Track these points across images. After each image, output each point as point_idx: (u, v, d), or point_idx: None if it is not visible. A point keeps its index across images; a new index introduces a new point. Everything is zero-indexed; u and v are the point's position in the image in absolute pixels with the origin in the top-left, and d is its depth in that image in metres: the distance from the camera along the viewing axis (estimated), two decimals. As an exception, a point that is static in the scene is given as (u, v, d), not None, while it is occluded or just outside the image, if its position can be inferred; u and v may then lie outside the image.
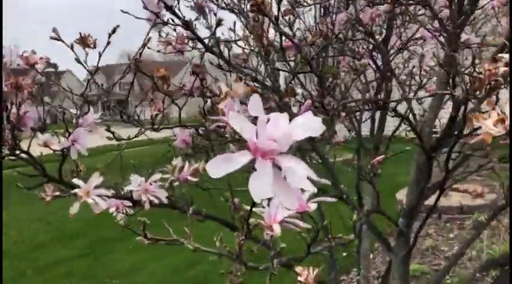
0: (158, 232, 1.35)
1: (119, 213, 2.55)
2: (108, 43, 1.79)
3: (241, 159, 0.72)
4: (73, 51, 1.74)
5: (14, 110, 1.92)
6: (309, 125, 0.76)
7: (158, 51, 3.03)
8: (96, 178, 1.81)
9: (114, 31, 1.91)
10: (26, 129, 1.98)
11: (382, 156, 1.58)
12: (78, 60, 1.74)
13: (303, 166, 0.71)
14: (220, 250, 1.15)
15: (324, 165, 2.35)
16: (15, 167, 2.01)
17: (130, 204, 2.29)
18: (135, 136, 1.74)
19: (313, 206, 1.31)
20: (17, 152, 1.80)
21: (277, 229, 1.21)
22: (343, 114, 1.45)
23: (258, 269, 1.17)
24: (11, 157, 1.89)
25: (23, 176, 2.07)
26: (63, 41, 1.77)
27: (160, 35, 3.05)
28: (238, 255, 1.06)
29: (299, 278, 1.51)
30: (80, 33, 1.95)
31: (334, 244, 1.38)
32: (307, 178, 0.73)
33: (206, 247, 1.15)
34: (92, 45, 1.93)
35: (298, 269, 1.54)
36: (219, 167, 0.70)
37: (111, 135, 1.79)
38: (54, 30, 1.73)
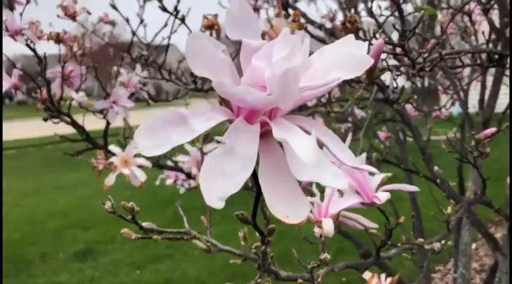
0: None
1: (181, 187, 2.34)
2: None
3: (201, 123, 0.38)
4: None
5: (58, 68, 1.74)
6: (346, 54, 0.39)
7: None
8: (134, 146, 1.55)
9: None
10: (73, 87, 1.80)
11: (491, 129, 1.14)
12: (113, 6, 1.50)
13: (312, 140, 0.35)
14: (246, 251, 0.83)
15: (415, 140, 1.92)
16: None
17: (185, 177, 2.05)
18: (175, 97, 1.47)
19: (383, 196, 0.94)
20: (55, 114, 1.61)
21: (328, 226, 0.86)
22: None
23: (296, 281, 0.84)
24: (53, 120, 1.72)
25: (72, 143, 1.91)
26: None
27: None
28: (261, 264, 0.73)
29: (367, 287, 1.15)
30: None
31: (415, 249, 1.00)
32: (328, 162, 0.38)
33: (227, 246, 0.84)
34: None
35: (366, 275, 1.18)
36: (157, 138, 0.37)
37: (146, 95, 1.54)
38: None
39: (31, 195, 7.71)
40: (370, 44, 0.84)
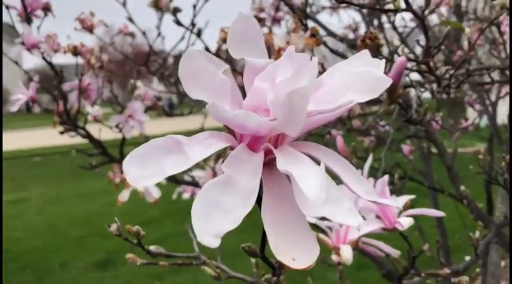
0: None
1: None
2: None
3: (199, 151, 0.34)
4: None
5: (76, 81, 1.73)
6: (361, 75, 0.35)
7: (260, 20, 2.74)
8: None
9: None
10: (90, 100, 1.79)
11: (523, 150, 1.07)
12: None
13: (319, 173, 0.30)
14: (258, 278, 0.78)
15: (441, 157, 1.85)
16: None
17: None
18: (190, 112, 1.44)
19: (406, 222, 0.88)
20: (69, 127, 1.60)
21: (346, 253, 0.81)
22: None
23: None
24: (70, 133, 1.71)
25: (88, 157, 1.89)
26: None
27: (254, 2, 2.74)
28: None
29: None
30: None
31: (440, 277, 0.93)
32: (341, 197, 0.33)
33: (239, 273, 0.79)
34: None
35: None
36: (148, 166, 0.33)
37: (161, 110, 1.51)
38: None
39: (54, 202, 7.80)
40: (392, 59, 0.79)
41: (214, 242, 0.30)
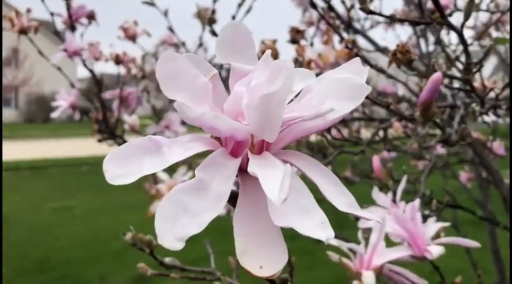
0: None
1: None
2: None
3: (177, 153, 0.32)
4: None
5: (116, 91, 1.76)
6: (341, 82, 0.32)
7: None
8: (182, 173, 1.52)
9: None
10: (130, 109, 1.81)
11: None
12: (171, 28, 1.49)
13: (279, 174, 0.28)
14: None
15: (495, 186, 1.73)
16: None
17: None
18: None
19: (436, 251, 0.81)
20: (107, 135, 1.62)
21: (369, 279, 0.75)
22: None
23: None
24: (108, 141, 1.74)
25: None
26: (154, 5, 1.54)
27: (304, 15, 2.74)
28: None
29: None
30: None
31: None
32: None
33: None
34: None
35: None
36: (127, 165, 0.32)
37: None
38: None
39: (98, 212, 7.91)
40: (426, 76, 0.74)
41: (177, 245, 0.28)
